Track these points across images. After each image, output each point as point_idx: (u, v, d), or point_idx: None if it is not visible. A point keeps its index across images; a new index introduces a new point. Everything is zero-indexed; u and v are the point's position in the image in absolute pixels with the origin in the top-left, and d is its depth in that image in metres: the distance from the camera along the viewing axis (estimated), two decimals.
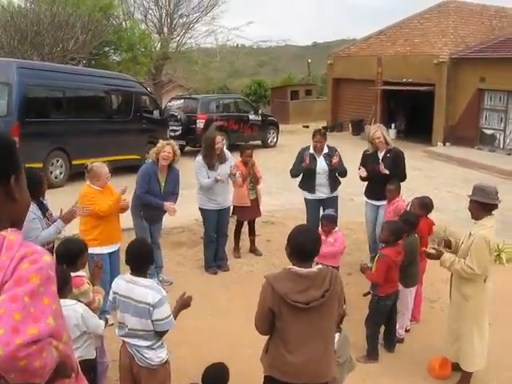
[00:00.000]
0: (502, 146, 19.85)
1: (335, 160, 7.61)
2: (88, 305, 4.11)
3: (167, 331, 3.91)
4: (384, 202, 7.31)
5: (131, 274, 3.98)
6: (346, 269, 7.71)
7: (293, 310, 3.36)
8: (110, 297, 4.08)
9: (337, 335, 3.94)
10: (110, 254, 6.09)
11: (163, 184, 7.00)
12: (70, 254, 4.28)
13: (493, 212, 4.90)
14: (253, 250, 8.60)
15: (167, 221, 8.91)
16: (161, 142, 7.04)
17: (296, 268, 3.42)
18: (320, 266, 3.55)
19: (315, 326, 3.47)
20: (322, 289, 3.39)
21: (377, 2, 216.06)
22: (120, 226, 6.41)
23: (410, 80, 21.94)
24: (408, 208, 6.62)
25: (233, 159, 7.98)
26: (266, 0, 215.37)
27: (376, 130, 7.66)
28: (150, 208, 6.96)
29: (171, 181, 7.08)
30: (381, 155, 7.53)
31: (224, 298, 7.08)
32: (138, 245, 4.16)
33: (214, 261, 7.89)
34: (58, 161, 12.99)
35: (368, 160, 7.63)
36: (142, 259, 3.99)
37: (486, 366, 5.15)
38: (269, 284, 3.42)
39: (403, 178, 7.50)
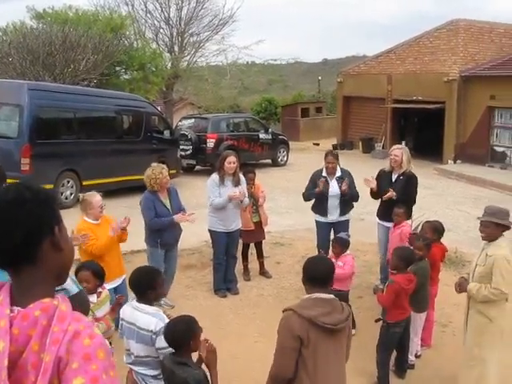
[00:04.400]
0: None
1: (344, 187, 7.58)
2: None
3: None
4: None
5: (137, 300, 4.03)
6: (356, 292, 7.64)
7: (321, 334, 3.41)
8: (119, 324, 4.14)
9: None
10: (115, 288, 5.92)
11: (169, 205, 7.02)
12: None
13: (504, 233, 4.91)
14: (262, 272, 8.54)
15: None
16: (154, 172, 6.85)
17: (317, 294, 3.53)
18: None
19: (337, 353, 3.54)
20: (344, 313, 3.52)
21: (385, 19, 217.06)
22: (122, 259, 6.35)
23: (419, 98, 21.97)
24: (418, 231, 6.58)
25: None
26: (276, 18, 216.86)
27: (399, 148, 7.59)
28: (166, 232, 6.96)
29: (174, 199, 7.13)
30: (394, 176, 7.48)
31: (234, 321, 7.04)
32: (138, 272, 4.17)
33: (224, 283, 7.85)
34: (68, 182, 13.07)
35: (382, 178, 7.58)
36: (142, 286, 4.00)
37: None
38: (293, 312, 3.46)
39: (411, 203, 7.43)
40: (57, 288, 3.72)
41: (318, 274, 3.59)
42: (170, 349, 3.76)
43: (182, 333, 3.52)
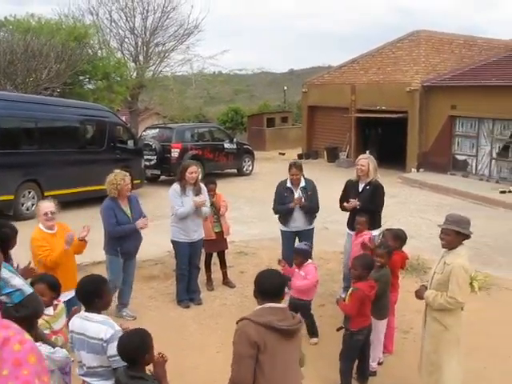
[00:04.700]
0: (474, 172, 20.15)
1: (297, 202, 7.64)
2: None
3: None
4: (373, 233, 7.25)
5: (85, 310, 3.98)
6: (318, 300, 7.66)
7: (277, 338, 3.44)
8: (69, 336, 4.07)
9: None
10: (68, 300, 5.60)
11: (130, 213, 6.97)
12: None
13: (463, 242, 4.92)
14: (226, 282, 8.50)
15: (139, 253, 8.88)
16: (115, 177, 6.84)
17: (270, 304, 3.58)
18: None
19: (293, 358, 3.61)
20: (296, 319, 3.61)
21: (352, 30, 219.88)
22: (76, 271, 6.18)
23: (383, 108, 22.27)
24: (379, 239, 6.64)
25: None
26: (243, 29, 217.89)
27: (365, 158, 7.63)
28: (126, 240, 6.91)
29: (135, 207, 7.10)
30: (361, 186, 7.52)
31: (197, 332, 6.98)
32: (83, 282, 4.09)
33: (187, 294, 7.79)
34: (29, 192, 12.86)
35: (349, 188, 7.63)
36: (89, 295, 3.95)
37: None
38: (248, 321, 3.48)
39: (378, 212, 7.49)
40: (12, 289, 3.68)
41: (268, 288, 3.63)
42: None
43: (137, 346, 3.46)
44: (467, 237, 4.90)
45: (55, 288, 4.42)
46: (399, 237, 6.38)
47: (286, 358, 3.52)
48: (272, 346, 3.43)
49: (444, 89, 20.78)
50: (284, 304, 3.71)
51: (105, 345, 3.74)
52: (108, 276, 7.03)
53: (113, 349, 3.68)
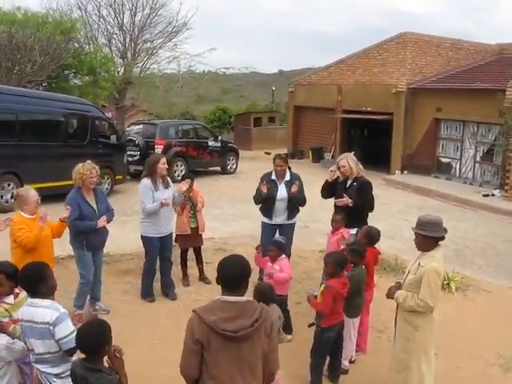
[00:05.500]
0: (458, 175, 20.23)
1: (294, 189, 7.62)
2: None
3: (76, 348, 3.68)
4: (350, 231, 7.16)
5: (31, 296, 3.93)
6: (295, 297, 7.62)
7: (222, 340, 3.25)
8: (20, 325, 4.02)
9: None
10: None
11: (96, 206, 6.85)
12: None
13: (439, 243, 4.81)
14: (202, 278, 8.44)
15: (117, 248, 8.80)
16: (83, 167, 6.73)
17: (224, 297, 3.36)
18: (250, 298, 3.48)
19: (244, 361, 3.33)
20: (252, 318, 3.30)
21: (341, 31, 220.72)
22: (53, 254, 6.17)
23: (368, 109, 22.28)
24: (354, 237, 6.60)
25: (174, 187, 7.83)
26: (232, 27, 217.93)
27: (343, 158, 7.51)
28: (91, 234, 6.78)
29: (101, 200, 6.98)
30: (348, 183, 7.43)
31: (170, 327, 6.89)
32: (25, 269, 4.03)
33: (162, 288, 7.78)
34: (9, 184, 12.73)
35: (337, 187, 7.51)
36: (32, 281, 3.90)
37: None
38: (196, 315, 3.32)
39: (366, 208, 7.36)
40: None
41: (228, 275, 3.39)
42: (72, 336, 3.66)
43: (98, 337, 3.36)
44: (441, 238, 4.79)
45: (14, 276, 4.32)
46: (369, 233, 6.32)
47: (235, 359, 3.30)
48: (216, 347, 3.26)
49: (430, 91, 20.84)
50: (244, 298, 3.39)
51: (51, 328, 3.72)
52: (79, 271, 6.97)
53: (60, 331, 3.67)
